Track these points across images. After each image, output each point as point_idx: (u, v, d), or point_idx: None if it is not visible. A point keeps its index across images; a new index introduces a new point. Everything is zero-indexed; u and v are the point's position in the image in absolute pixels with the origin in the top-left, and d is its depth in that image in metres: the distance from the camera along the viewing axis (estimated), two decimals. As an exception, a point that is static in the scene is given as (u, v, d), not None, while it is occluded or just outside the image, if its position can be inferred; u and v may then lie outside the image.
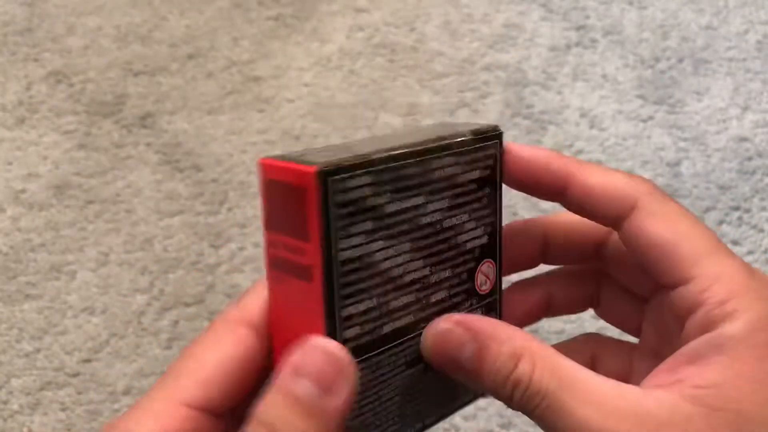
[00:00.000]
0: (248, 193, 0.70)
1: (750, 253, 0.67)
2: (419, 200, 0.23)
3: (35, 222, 0.69)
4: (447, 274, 0.25)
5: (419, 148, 0.23)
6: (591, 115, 0.76)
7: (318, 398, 0.20)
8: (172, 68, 0.79)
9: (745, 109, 0.76)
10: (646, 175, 0.72)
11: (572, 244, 0.28)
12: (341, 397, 0.20)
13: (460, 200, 0.24)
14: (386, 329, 0.23)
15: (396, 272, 0.23)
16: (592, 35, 0.82)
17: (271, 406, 0.20)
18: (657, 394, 0.22)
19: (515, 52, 0.80)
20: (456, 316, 0.24)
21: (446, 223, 0.24)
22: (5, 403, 0.60)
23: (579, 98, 0.77)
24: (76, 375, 0.61)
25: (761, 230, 0.69)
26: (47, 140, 0.74)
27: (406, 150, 0.22)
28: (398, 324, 0.23)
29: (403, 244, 0.23)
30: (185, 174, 0.72)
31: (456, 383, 0.26)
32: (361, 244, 0.21)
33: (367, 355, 0.23)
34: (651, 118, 0.75)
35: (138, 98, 0.77)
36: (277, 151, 0.73)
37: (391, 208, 0.22)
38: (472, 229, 0.25)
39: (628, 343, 0.29)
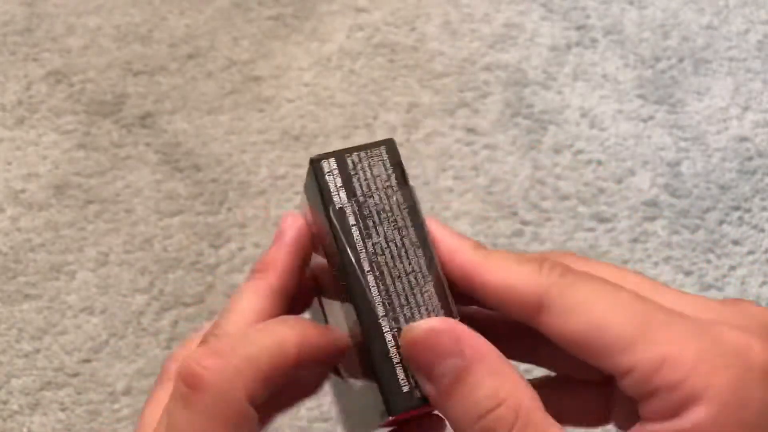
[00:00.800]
0: (248, 193, 0.70)
1: (750, 253, 0.67)
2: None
3: (35, 222, 0.69)
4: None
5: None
6: (591, 114, 0.76)
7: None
8: (171, 68, 0.79)
9: (746, 108, 0.76)
10: (647, 175, 0.71)
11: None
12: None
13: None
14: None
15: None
16: (592, 35, 0.82)
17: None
18: None
19: (515, 51, 0.80)
20: (453, 324, 0.22)
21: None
22: (5, 403, 0.60)
23: (579, 98, 0.77)
24: (75, 375, 0.61)
25: (762, 230, 0.69)
26: (47, 140, 0.74)
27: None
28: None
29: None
30: (185, 174, 0.72)
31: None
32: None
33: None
34: (651, 117, 0.75)
35: (138, 98, 0.77)
36: (277, 152, 0.73)
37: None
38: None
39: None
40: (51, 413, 0.59)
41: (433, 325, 0.22)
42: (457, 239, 0.24)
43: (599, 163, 0.72)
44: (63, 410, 0.59)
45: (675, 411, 0.20)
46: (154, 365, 0.61)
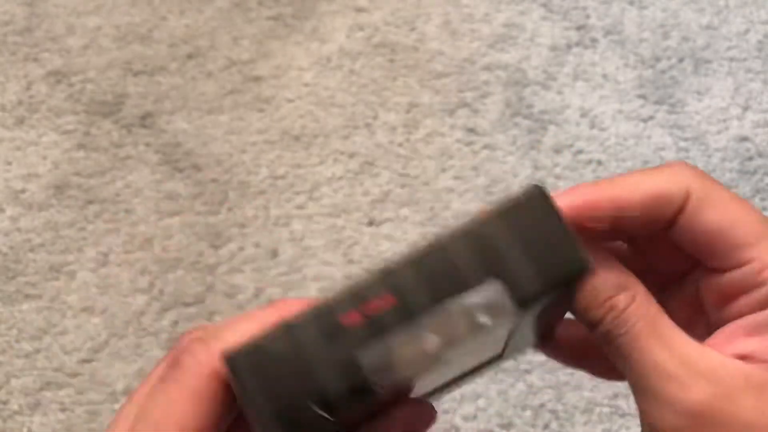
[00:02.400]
0: (248, 193, 0.70)
1: (750, 253, 0.67)
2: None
3: (35, 222, 0.69)
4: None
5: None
6: (591, 114, 0.76)
7: None
8: (171, 68, 0.79)
9: (746, 108, 0.76)
10: (647, 175, 0.72)
11: (644, 225, 0.25)
12: None
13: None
14: None
15: None
16: (592, 35, 0.82)
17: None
18: (734, 362, 0.23)
19: (515, 51, 0.80)
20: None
21: None
22: (5, 403, 0.60)
23: (579, 98, 0.77)
24: (75, 375, 0.61)
25: (762, 230, 0.69)
26: (47, 140, 0.74)
27: None
28: None
29: None
30: (185, 174, 0.72)
31: None
32: None
33: None
34: (651, 117, 0.75)
35: (138, 98, 0.77)
36: (277, 152, 0.73)
37: None
38: None
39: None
40: (51, 413, 0.59)
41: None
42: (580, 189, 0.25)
43: (599, 163, 0.72)
44: (63, 410, 0.59)
45: None
46: (154, 365, 0.61)
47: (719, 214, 0.24)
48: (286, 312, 0.23)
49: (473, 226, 0.22)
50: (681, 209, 0.24)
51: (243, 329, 0.23)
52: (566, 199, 0.24)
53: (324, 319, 0.22)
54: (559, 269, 0.23)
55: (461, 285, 0.22)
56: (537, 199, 0.23)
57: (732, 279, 0.24)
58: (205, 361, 0.22)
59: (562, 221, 0.23)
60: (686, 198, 0.24)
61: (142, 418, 0.22)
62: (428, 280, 0.22)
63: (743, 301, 0.24)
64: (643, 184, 0.24)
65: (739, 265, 0.24)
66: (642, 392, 0.24)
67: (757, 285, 0.24)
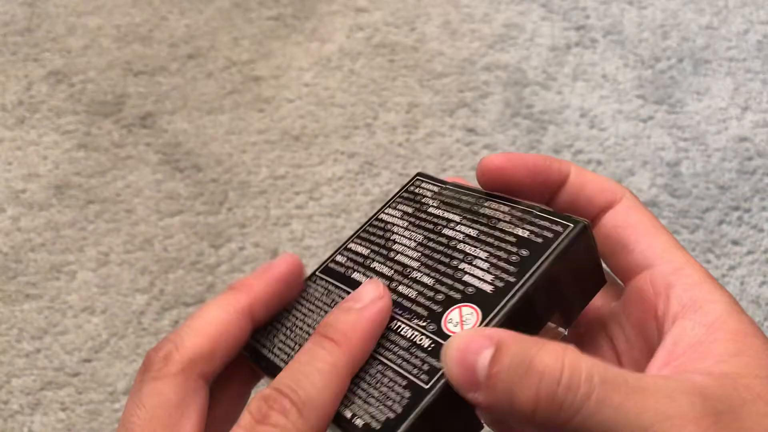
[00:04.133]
0: (248, 193, 0.70)
1: (750, 253, 0.67)
2: (455, 217, 0.27)
3: (35, 222, 0.69)
4: (427, 280, 0.25)
5: (495, 194, 0.27)
6: (591, 115, 0.76)
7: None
8: (172, 68, 0.79)
9: (745, 109, 0.76)
10: (646, 175, 0.72)
11: (583, 197, 0.28)
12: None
13: (489, 240, 0.25)
14: (353, 275, 0.27)
15: (395, 248, 0.27)
16: (592, 35, 0.82)
17: None
18: (699, 377, 0.23)
19: (515, 52, 0.80)
20: (487, 331, 0.22)
21: (460, 247, 0.26)
22: (5, 403, 0.60)
23: (579, 98, 0.77)
24: (76, 375, 0.61)
25: (761, 230, 0.69)
26: (47, 140, 0.74)
27: (479, 190, 0.28)
28: (361, 279, 0.27)
29: (416, 234, 0.27)
30: (185, 174, 0.72)
31: (361, 377, 0.24)
32: (394, 216, 0.28)
33: (328, 278, 0.27)
34: (651, 118, 0.75)
35: (138, 98, 0.77)
36: (277, 152, 0.73)
37: (432, 210, 0.28)
38: (481, 269, 0.25)
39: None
40: (51, 413, 0.59)
41: (464, 336, 0.23)
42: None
43: (599, 163, 0.72)
44: (63, 410, 0.60)
45: (696, 303, 0.24)
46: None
47: (643, 218, 0.27)
48: (245, 295, 0.26)
49: (545, 270, 0.24)
50: (612, 205, 0.27)
51: (206, 325, 0.25)
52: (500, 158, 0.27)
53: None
54: (593, 289, 0.26)
55: (536, 323, 0.24)
56: (586, 237, 0.25)
57: (653, 276, 0.26)
58: (175, 364, 0.24)
59: (596, 251, 0.26)
60: (620, 198, 0.27)
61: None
62: (515, 325, 0.23)
63: (671, 301, 0.25)
64: (594, 174, 0.28)
65: (656, 264, 0.26)
66: None
67: (673, 285, 0.25)
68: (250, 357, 0.27)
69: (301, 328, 0.26)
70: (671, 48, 0.81)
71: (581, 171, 0.28)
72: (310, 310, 0.26)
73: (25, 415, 0.59)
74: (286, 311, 0.27)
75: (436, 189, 0.29)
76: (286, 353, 0.26)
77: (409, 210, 0.28)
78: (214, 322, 0.26)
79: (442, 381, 0.22)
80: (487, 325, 0.23)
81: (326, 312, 0.26)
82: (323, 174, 0.72)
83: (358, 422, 0.22)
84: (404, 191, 0.29)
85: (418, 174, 0.30)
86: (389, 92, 0.77)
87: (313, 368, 0.23)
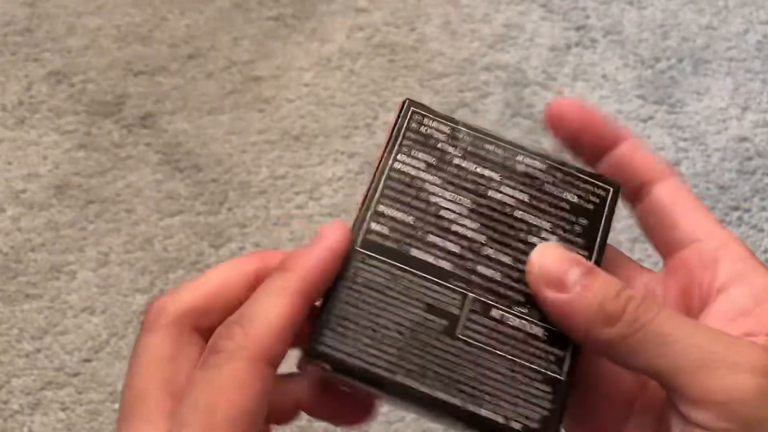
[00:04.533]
0: (248, 193, 0.70)
1: (750, 253, 0.67)
2: (494, 175, 0.25)
3: (35, 222, 0.69)
4: (505, 259, 0.25)
5: (508, 140, 0.26)
6: (591, 115, 0.76)
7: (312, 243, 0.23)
8: (172, 68, 0.79)
9: (745, 109, 0.76)
10: (646, 175, 0.72)
11: (634, 164, 0.28)
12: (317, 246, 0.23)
13: (544, 206, 0.25)
14: (414, 253, 0.24)
15: (446, 215, 0.25)
16: (592, 35, 0.82)
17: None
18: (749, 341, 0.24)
19: (515, 52, 0.80)
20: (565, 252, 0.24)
21: (519, 215, 0.25)
22: (5, 402, 0.60)
23: (579, 98, 0.77)
24: (76, 375, 0.61)
25: (761, 230, 0.69)
26: (47, 140, 0.74)
27: (495, 134, 0.26)
28: (430, 259, 0.24)
29: (462, 197, 0.25)
30: (185, 174, 0.72)
31: (486, 376, 0.23)
32: (416, 168, 0.25)
33: (383, 258, 0.24)
34: (651, 118, 0.75)
35: (138, 98, 0.77)
36: (277, 152, 0.73)
37: (460, 162, 0.25)
38: (552, 240, 0.25)
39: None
40: (52, 413, 0.59)
41: (549, 250, 0.25)
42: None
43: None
44: (64, 410, 0.60)
45: (743, 276, 0.25)
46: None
47: (689, 195, 0.27)
48: (265, 262, 0.25)
49: (605, 237, 0.26)
50: (658, 180, 0.27)
51: (206, 281, 0.24)
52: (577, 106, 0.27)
53: None
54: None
55: None
56: (617, 198, 0.26)
57: (700, 250, 0.26)
58: (244, 345, 0.22)
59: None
60: (670, 174, 0.27)
61: (190, 406, 0.22)
62: None
63: (719, 274, 0.25)
64: (642, 147, 0.28)
65: (702, 238, 0.26)
66: (683, 382, 0.22)
67: (719, 259, 0.26)
68: (335, 369, 0.23)
69: (387, 328, 0.23)
70: (671, 48, 0.81)
71: (634, 143, 0.28)
72: (385, 302, 0.24)
73: (25, 415, 0.59)
74: (346, 303, 0.24)
75: (447, 130, 0.26)
76: (384, 359, 0.23)
77: (432, 160, 0.25)
78: (214, 279, 0.25)
79: (570, 367, 0.24)
80: None
81: (412, 306, 0.24)
82: (323, 174, 0.72)
83: (516, 425, 0.23)
84: (407, 129, 0.26)
85: (409, 102, 0.26)
86: (389, 92, 0.77)
87: (262, 293, 0.23)
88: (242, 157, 0.73)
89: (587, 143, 0.28)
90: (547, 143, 0.74)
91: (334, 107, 0.76)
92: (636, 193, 0.28)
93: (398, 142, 0.25)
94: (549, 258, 0.24)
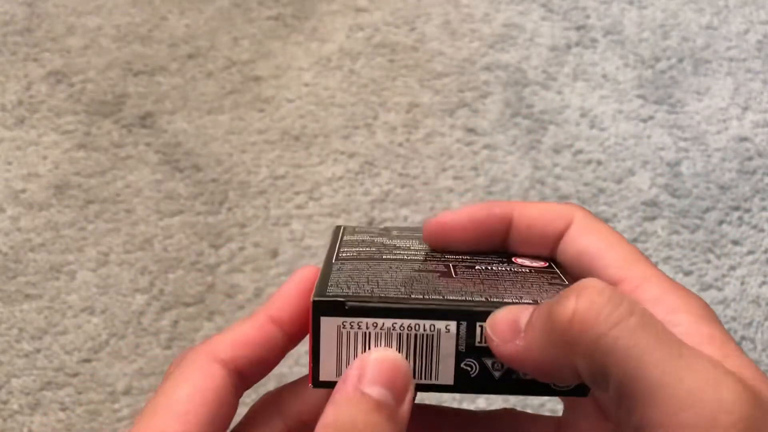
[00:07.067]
0: (248, 193, 0.70)
1: (750, 253, 0.67)
2: (420, 246, 0.29)
3: (35, 222, 0.69)
4: (465, 256, 0.28)
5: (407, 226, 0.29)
6: (591, 115, 0.76)
7: (395, 404, 0.21)
8: (171, 68, 0.79)
9: (746, 108, 0.76)
10: (646, 175, 0.72)
11: (533, 233, 0.28)
12: (408, 404, 0.22)
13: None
14: (386, 256, 0.28)
15: (400, 243, 0.29)
16: (592, 35, 0.82)
17: (346, 409, 0.21)
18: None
19: (515, 51, 0.80)
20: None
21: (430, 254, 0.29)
22: (5, 403, 0.60)
23: (579, 98, 0.77)
24: (76, 375, 0.61)
25: (761, 230, 0.69)
26: (47, 140, 0.74)
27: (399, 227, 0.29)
28: (400, 256, 0.28)
29: (406, 240, 0.30)
30: (185, 174, 0.72)
31: (499, 287, 0.25)
32: (364, 237, 0.30)
33: (356, 261, 0.27)
34: (651, 117, 0.75)
35: (138, 98, 0.77)
36: (277, 152, 0.73)
37: (384, 240, 0.29)
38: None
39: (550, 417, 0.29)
40: (51, 413, 0.59)
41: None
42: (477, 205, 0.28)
43: (599, 163, 0.72)
44: (63, 410, 0.60)
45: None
46: (154, 365, 0.61)
47: (594, 238, 0.26)
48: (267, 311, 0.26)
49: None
50: (563, 232, 0.27)
51: (230, 330, 0.25)
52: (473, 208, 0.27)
53: None
54: None
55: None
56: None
57: None
58: (203, 353, 0.24)
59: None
60: (569, 223, 0.27)
61: (159, 405, 0.23)
62: None
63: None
64: (538, 205, 0.28)
65: (615, 283, 0.25)
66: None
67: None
68: (349, 310, 0.24)
69: (387, 282, 0.25)
70: (671, 48, 0.81)
71: (525, 207, 0.27)
72: (378, 264, 0.26)
73: (24, 415, 0.59)
74: (340, 272, 0.26)
75: (369, 235, 0.30)
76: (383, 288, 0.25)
77: (375, 233, 0.30)
78: (240, 329, 0.25)
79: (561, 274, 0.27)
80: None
81: (407, 265, 0.26)
82: (323, 174, 0.71)
83: (528, 299, 0.24)
84: (341, 241, 0.29)
85: (336, 228, 0.31)
86: (389, 92, 0.77)
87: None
88: (242, 157, 0.73)
89: (483, 239, 0.28)
90: (547, 143, 0.74)
91: (334, 107, 0.76)
92: (553, 251, 0.27)
93: (337, 248, 0.28)
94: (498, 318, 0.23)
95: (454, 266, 0.26)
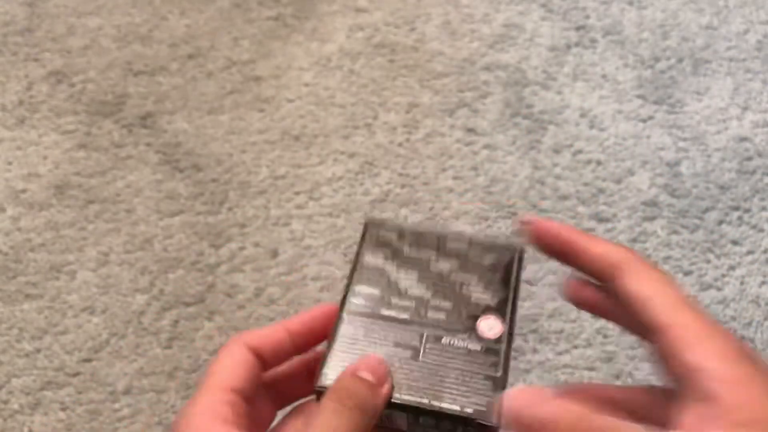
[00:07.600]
0: (248, 193, 0.70)
1: (750, 252, 0.67)
2: (431, 254, 0.35)
3: (35, 222, 0.69)
4: (446, 305, 0.33)
5: (440, 230, 0.36)
6: (591, 115, 0.76)
7: (377, 384, 0.31)
8: (172, 68, 0.80)
9: (745, 109, 0.76)
10: (646, 175, 0.72)
11: (589, 273, 0.32)
12: (387, 388, 0.31)
13: (470, 268, 0.35)
14: (384, 312, 0.34)
15: (401, 285, 0.34)
16: (592, 35, 0.82)
17: (344, 382, 0.30)
18: None
19: (515, 52, 0.80)
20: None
21: (452, 276, 0.34)
22: (5, 402, 0.60)
23: (579, 98, 0.77)
24: (76, 375, 0.61)
25: (761, 230, 0.69)
26: (47, 140, 0.74)
27: (429, 229, 0.36)
28: (393, 314, 0.34)
29: (411, 272, 0.35)
30: (185, 174, 0.72)
31: (444, 381, 0.31)
32: (379, 259, 0.35)
33: (361, 318, 0.34)
34: (651, 117, 0.76)
35: (138, 98, 0.77)
36: (277, 152, 0.73)
37: (407, 251, 0.35)
38: (478, 289, 0.34)
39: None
40: (52, 413, 0.59)
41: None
42: (556, 223, 0.33)
43: (599, 163, 0.72)
44: (63, 410, 0.60)
45: (693, 367, 0.27)
46: (154, 365, 0.61)
47: (640, 286, 0.29)
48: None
49: (518, 280, 0.35)
50: (615, 277, 0.30)
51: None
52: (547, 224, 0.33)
53: None
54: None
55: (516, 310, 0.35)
56: (523, 254, 0.35)
57: (660, 342, 0.28)
58: (240, 340, 0.32)
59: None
60: (620, 269, 0.30)
61: (213, 367, 0.31)
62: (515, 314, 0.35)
63: (674, 367, 0.27)
64: (597, 245, 0.31)
65: (660, 330, 0.28)
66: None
67: (672, 352, 0.28)
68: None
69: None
70: (671, 48, 0.81)
71: (587, 243, 0.31)
72: (364, 345, 0.33)
73: (25, 415, 0.59)
74: (338, 351, 0.33)
75: (395, 234, 0.36)
76: None
77: (388, 254, 0.35)
78: (265, 329, 0.33)
79: (504, 366, 0.32)
80: (510, 324, 0.33)
81: (384, 344, 0.33)
82: (323, 174, 0.72)
83: (469, 410, 0.30)
84: (369, 238, 0.36)
85: (368, 222, 0.37)
86: (389, 92, 0.77)
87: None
88: (242, 157, 0.73)
89: (552, 254, 0.33)
90: (546, 143, 0.74)
91: (334, 107, 0.76)
92: (605, 282, 0.31)
93: (361, 250, 0.35)
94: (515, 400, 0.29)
95: (426, 339, 0.33)
